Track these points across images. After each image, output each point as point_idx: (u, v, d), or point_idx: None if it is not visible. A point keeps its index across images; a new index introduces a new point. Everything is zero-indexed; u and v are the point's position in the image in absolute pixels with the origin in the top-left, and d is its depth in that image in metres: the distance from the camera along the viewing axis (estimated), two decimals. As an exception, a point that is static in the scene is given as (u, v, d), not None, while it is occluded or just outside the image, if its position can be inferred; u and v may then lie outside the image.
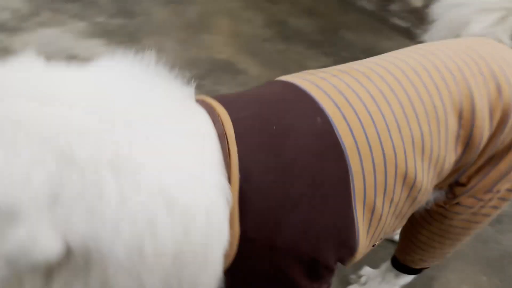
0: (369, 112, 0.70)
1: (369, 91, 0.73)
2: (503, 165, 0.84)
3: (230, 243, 0.61)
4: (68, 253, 0.43)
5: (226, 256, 0.63)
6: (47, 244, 0.41)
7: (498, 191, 0.89)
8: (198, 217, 0.51)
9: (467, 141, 0.77)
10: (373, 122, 0.70)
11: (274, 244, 0.65)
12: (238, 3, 2.69)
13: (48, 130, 0.43)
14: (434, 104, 0.75)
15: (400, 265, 1.16)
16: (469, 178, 0.86)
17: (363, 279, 1.30)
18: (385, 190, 0.73)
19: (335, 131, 0.67)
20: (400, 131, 0.72)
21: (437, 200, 0.94)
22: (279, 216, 0.63)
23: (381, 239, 0.85)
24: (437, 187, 0.88)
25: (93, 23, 2.23)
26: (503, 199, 0.91)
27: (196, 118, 0.59)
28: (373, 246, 0.85)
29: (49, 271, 0.44)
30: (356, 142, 0.68)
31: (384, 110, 0.72)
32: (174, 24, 2.39)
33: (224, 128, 0.60)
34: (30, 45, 1.95)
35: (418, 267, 1.14)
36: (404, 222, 0.87)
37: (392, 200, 0.75)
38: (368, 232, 0.76)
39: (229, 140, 0.59)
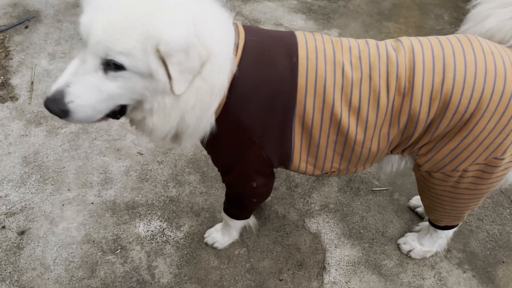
0: (325, 66, 1.00)
1: (336, 53, 1.02)
2: (452, 144, 1.03)
3: (219, 103, 0.99)
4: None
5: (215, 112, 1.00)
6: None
7: (466, 171, 1.08)
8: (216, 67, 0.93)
9: (407, 116, 1.01)
10: (325, 76, 1.00)
11: (240, 119, 1.02)
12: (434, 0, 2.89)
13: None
14: (380, 91, 1.00)
15: (431, 223, 1.40)
16: (427, 151, 1.08)
17: (417, 228, 1.58)
18: (321, 127, 1.03)
19: (297, 70, 1.00)
20: (342, 91, 1.00)
21: (409, 166, 1.21)
22: (246, 101, 1.01)
23: (326, 173, 1.15)
24: (395, 152, 1.14)
25: (303, 2, 2.84)
26: (479, 177, 1.10)
27: (230, 26, 1.01)
28: (326, 173, 1.16)
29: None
30: (306, 83, 1.00)
31: (334, 71, 1.00)
32: (366, 11, 2.80)
33: (238, 39, 1.00)
34: (254, 12, 2.70)
35: (442, 224, 1.36)
36: (346, 163, 1.13)
37: (328, 136, 1.05)
38: (302, 148, 1.07)
39: (239, 46, 0.99)
